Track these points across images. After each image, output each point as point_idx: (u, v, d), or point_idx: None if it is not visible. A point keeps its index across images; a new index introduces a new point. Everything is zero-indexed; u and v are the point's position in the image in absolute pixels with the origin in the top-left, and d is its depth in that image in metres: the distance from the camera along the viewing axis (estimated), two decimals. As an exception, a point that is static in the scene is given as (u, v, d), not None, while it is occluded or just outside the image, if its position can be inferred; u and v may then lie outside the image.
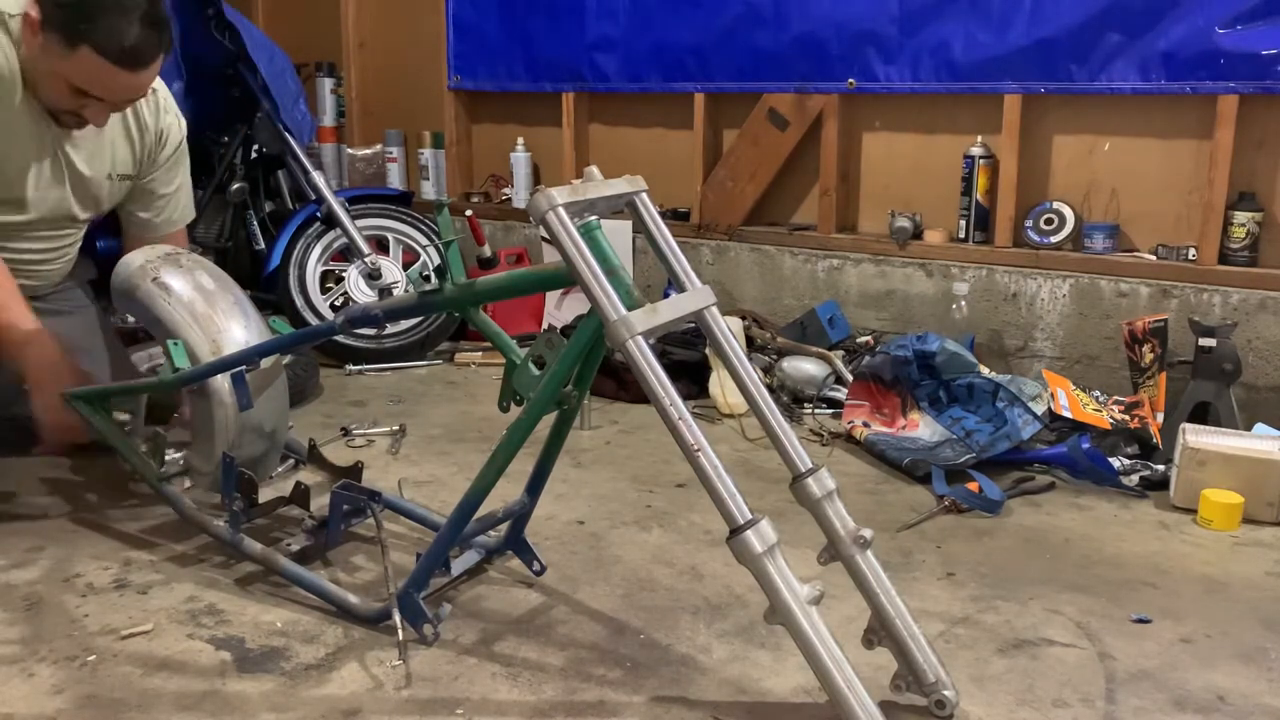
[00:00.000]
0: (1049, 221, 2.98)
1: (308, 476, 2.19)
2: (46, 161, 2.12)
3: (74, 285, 2.42)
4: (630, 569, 1.91)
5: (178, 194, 2.40)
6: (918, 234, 3.18)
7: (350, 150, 4.25)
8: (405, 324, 3.34)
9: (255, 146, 3.44)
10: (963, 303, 3.06)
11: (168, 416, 2.20)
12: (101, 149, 2.19)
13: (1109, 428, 2.48)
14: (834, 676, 1.28)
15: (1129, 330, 2.67)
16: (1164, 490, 2.30)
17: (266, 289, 3.31)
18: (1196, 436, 2.26)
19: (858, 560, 1.43)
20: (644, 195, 1.52)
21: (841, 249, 3.28)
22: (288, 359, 2.26)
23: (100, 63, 1.90)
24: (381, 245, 3.46)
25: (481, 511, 1.63)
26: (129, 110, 2.19)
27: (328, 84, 4.25)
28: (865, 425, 2.63)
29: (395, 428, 2.69)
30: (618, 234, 3.42)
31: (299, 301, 3.28)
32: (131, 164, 2.27)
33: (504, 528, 1.84)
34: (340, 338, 3.15)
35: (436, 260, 3.44)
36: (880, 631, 1.46)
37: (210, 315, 1.95)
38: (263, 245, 3.48)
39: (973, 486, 2.24)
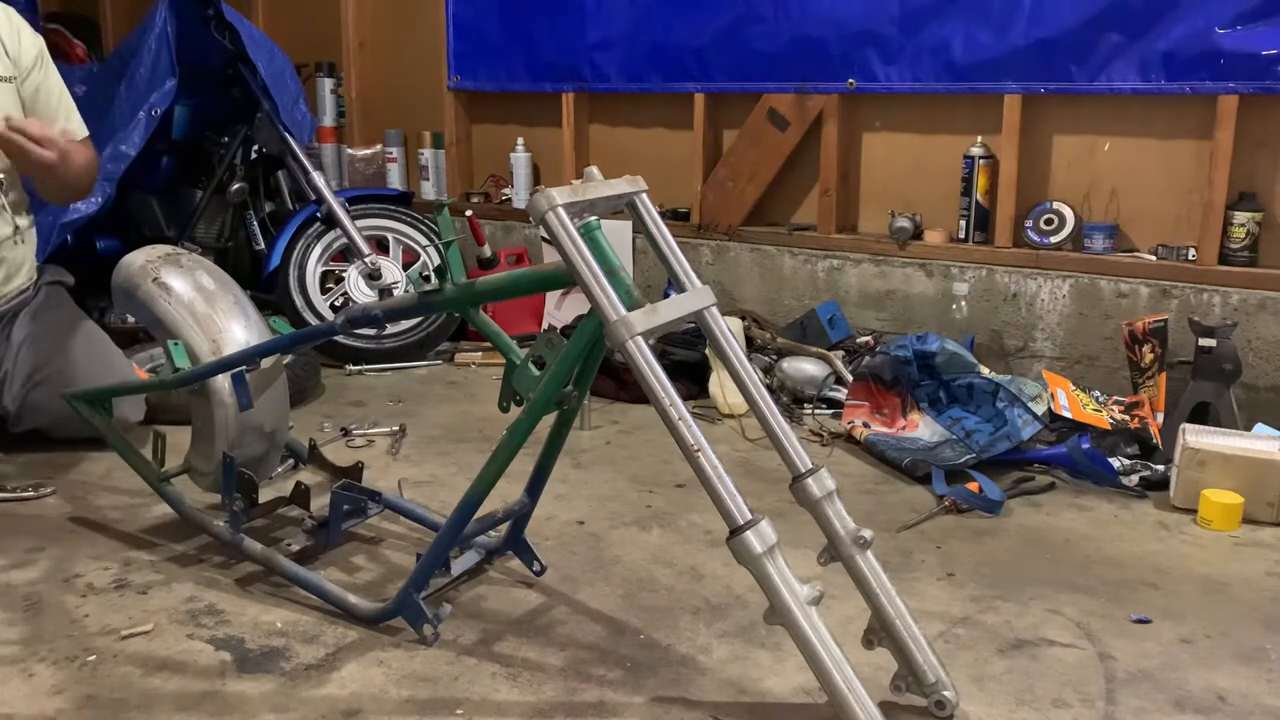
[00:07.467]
0: (1049, 222, 2.97)
1: (308, 476, 2.19)
2: None
3: (57, 300, 2.41)
4: (630, 569, 1.91)
5: (62, 98, 2.41)
6: (918, 234, 3.18)
7: (350, 150, 4.24)
8: (405, 324, 3.34)
9: (255, 146, 3.44)
10: (963, 303, 3.06)
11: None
12: None
13: (1109, 428, 2.48)
14: (834, 677, 1.28)
15: (1129, 330, 2.67)
16: (1164, 490, 2.30)
17: (266, 289, 3.31)
18: (1196, 437, 2.26)
19: (858, 561, 1.43)
20: (644, 195, 1.52)
21: (841, 249, 3.28)
22: (288, 359, 2.26)
23: None
24: (381, 245, 3.46)
25: (481, 512, 1.63)
26: None
27: (328, 84, 4.25)
28: (865, 425, 2.63)
29: (395, 428, 2.69)
30: (618, 234, 3.42)
31: (299, 301, 3.28)
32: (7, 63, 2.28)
33: (504, 528, 1.84)
34: (340, 338, 3.15)
35: (436, 260, 3.45)
36: (880, 632, 1.46)
37: (210, 315, 1.95)
38: (263, 245, 3.48)
39: (973, 486, 2.24)
